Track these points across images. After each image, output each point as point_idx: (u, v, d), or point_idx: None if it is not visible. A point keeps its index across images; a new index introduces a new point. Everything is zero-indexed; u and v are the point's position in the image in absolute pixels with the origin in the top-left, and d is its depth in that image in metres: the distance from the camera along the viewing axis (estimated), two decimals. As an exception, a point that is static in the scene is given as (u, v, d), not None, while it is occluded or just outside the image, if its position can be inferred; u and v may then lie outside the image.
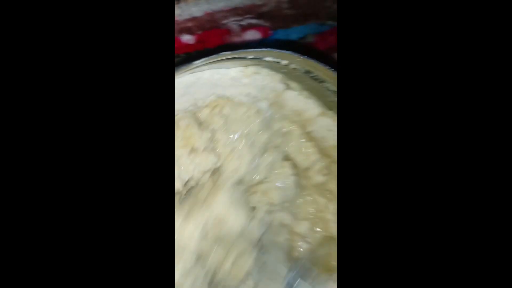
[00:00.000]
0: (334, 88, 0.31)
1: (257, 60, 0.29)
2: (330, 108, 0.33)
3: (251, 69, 0.30)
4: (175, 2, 0.34)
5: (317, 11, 0.40)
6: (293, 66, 0.30)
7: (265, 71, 0.31)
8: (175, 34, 0.34)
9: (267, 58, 0.29)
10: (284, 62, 0.30)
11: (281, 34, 0.38)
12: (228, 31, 0.36)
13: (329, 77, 0.31)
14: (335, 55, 0.41)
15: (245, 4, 0.37)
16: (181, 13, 0.34)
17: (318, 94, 0.33)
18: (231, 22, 0.36)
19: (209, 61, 0.26)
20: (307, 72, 0.31)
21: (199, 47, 0.34)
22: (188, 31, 0.34)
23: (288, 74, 0.31)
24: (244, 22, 0.37)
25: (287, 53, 0.28)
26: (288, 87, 0.32)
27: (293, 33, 0.39)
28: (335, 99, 0.31)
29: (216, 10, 0.35)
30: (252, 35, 0.37)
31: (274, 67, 0.31)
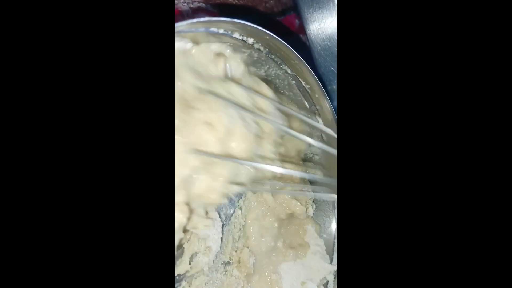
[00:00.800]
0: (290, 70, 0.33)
1: (226, 37, 0.29)
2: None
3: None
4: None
5: (257, 4, 0.42)
6: (257, 46, 0.31)
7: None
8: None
9: (235, 35, 0.29)
10: (251, 40, 0.30)
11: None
12: (179, 12, 0.34)
13: (288, 60, 0.32)
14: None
15: (193, -13, 0.36)
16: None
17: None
18: (181, 3, 0.35)
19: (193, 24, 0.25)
20: (270, 52, 0.31)
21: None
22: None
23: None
24: (193, 5, 0.36)
25: (257, 28, 0.28)
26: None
27: (238, 22, 0.40)
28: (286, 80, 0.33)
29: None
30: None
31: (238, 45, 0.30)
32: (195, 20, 0.25)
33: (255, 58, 0.32)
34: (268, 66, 0.33)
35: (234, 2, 0.39)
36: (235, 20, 0.26)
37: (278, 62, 0.33)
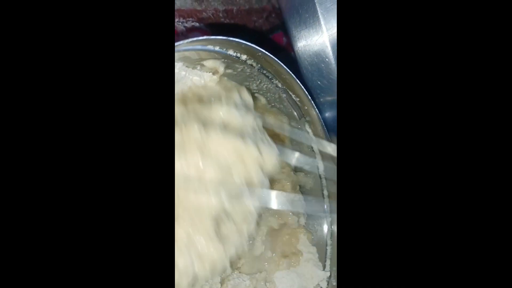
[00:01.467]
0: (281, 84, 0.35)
1: (221, 54, 0.31)
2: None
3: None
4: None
5: (247, 23, 0.44)
6: (250, 62, 0.33)
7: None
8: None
9: (229, 52, 0.31)
10: (244, 57, 0.32)
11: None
12: (176, 31, 0.36)
13: (278, 74, 0.34)
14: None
15: (186, 6, 0.38)
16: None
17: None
18: (177, 23, 0.37)
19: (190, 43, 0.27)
20: (262, 68, 0.34)
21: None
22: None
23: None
24: (187, 24, 0.38)
25: (250, 46, 0.30)
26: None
27: (230, 40, 0.42)
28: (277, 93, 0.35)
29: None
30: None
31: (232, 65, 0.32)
32: (195, 38, 0.27)
33: (248, 74, 0.34)
34: (260, 80, 0.35)
35: (225, 22, 0.41)
36: (231, 38, 0.28)
37: (270, 77, 0.35)
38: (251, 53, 0.32)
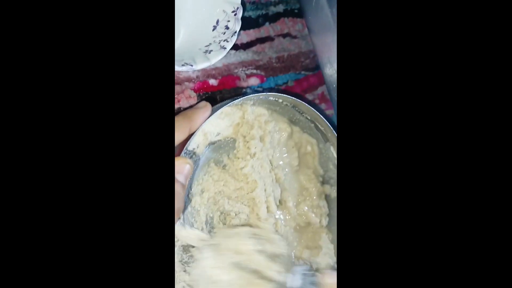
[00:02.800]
0: (309, 117, 0.48)
1: (265, 100, 0.46)
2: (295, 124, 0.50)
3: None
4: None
5: (295, 65, 0.58)
6: (285, 103, 0.47)
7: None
8: (204, 79, 0.49)
9: (270, 98, 0.46)
10: (280, 100, 0.47)
11: (271, 80, 0.55)
12: (238, 77, 0.52)
13: (306, 111, 0.48)
14: (308, 96, 0.59)
15: (248, 59, 0.54)
16: (209, 64, 0.50)
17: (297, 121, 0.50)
18: (240, 71, 0.53)
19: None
20: (294, 106, 0.48)
21: (220, 87, 0.50)
22: (213, 76, 0.50)
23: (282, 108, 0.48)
24: (248, 71, 0.53)
25: (283, 95, 0.45)
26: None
27: (280, 79, 0.56)
28: (309, 123, 0.49)
29: (230, 62, 0.52)
30: (253, 80, 0.53)
31: (273, 103, 0.47)
32: (252, 95, 0.42)
33: (286, 110, 0.49)
34: (293, 114, 0.49)
35: (277, 66, 0.56)
36: (270, 93, 0.43)
37: (300, 112, 0.48)
38: (285, 98, 0.46)
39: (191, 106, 0.45)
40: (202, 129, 0.46)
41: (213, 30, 0.46)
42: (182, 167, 0.32)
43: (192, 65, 0.40)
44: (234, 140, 0.48)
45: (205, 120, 0.38)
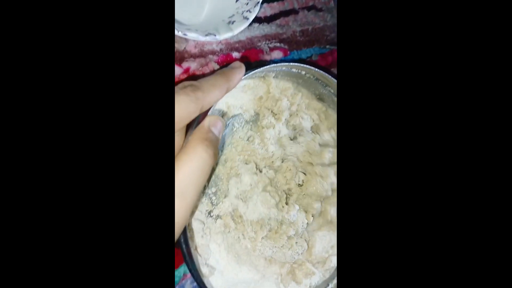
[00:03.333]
0: (334, 90, 0.48)
1: (288, 72, 0.46)
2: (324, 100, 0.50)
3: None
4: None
5: (319, 38, 0.57)
6: (308, 75, 0.47)
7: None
8: (228, 52, 0.49)
9: (293, 70, 0.46)
10: (303, 72, 0.46)
11: (295, 54, 0.55)
12: (261, 51, 0.52)
13: (330, 83, 0.47)
14: (333, 70, 0.58)
15: (271, 32, 0.53)
16: (232, 37, 0.50)
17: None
18: (263, 44, 0.52)
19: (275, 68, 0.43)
20: (317, 79, 0.47)
21: (243, 61, 0.50)
22: (236, 49, 0.50)
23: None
24: (271, 45, 0.53)
25: (306, 66, 0.44)
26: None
27: (303, 53, 0.56)
28: (333, 97, 0.48)
29: (253, 36, 0.52)
30: (276, 53, 0.53)
31: (296, 75, 0.47)
32: (273, 65, 0.42)
33: (308, 83, 0.48)
34: (315, 88, 0.48)
35: (301, 39, 0.55)
36: (292, 63, 0.43)
37: (324, 85, 0.48)
38: (306, 69, 0.46)
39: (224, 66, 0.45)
40: (226, 102, 0.46)
41: (236, 1, 0.46)
42: (215, 121, 0.33)
43: (215, 35, 0.41)
44: (257, 114, 0.48)
45: (240, 81, 0.38)
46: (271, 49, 0.53)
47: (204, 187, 0.41)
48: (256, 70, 0.41)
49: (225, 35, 0.42)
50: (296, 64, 0.43)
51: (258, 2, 0.45)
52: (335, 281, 0.46)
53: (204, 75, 0.48)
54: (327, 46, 0.58)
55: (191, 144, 0.30)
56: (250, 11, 0.44)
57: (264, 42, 0.52)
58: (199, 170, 0.29)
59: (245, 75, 0.41)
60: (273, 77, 0.47)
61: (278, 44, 0.53)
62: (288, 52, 0.54)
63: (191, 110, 0.30)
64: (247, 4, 0.45)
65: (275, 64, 0.42)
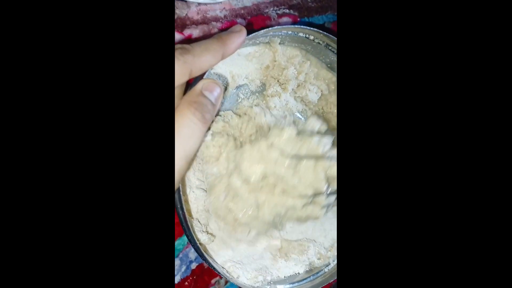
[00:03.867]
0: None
1: (295, 37, 0.42)
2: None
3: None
4: (232, -5, 0.47)
5: (333, 5, 0.54)
6: (317, 40, 0.44)
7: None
8: (232, 18, 0.47)
9: (300, 34, 0.42)
10: (312, 37, 0.43)
11: (306, 21, 0.51)
12: (269, 17, 0.49)
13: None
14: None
15: (280, -2, 0.50)
16: (236, 3, 0.47)
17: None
18: (271, 11, 0.49)
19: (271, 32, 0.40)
20: (327, 45, 0.44)
21: (248, 28, 0.47)
22: (241, 16, 0.47)
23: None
24: (279, 11, 0.50)
25: (314, 30, 0.41)
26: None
27: (315, 20, 0.52)
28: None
29: (260, 1, 0.49)
30: (285, 20, 0.50)
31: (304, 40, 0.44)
32: (276, 27, 0.39)
33: (319, 50, 0.45)
34: (325, 55, 0.45)
35: (312, 5, 0.52)
36: (298, 26, 0.40)
37: (334, 52, 0.45)
38: (315, 35, 0.42)
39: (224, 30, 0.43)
40: (230, 71, 0.44)
41: (240, -38, 0.43)
42: (209, 85, 0.31)
43: (215, -3, 0.38)
44: (264, 84, 0.46)
45: (239, 46, 0.35)
46: (279, 16, 0.50)
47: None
48: (258, 33, 0.38)
49: (226, -3, 0.39)
50: (302, 27, 0.40)
51: (263, -38, 0.42)
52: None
53: (207, 44, 0.46)
54: (341, 13, 0.54)
55: (179, 108, 0.28)
56: (254, -28, 0.41)
57: (272, 9, 0.49)
58: (186, 134, 0.27)
59: (249, 40, 0.38)
60: (280, 43, 0.44)
61: (287, 11, 0.50)
62: (298, 19, 0.51)
63: (177, 73, 0.28)
64: (251, -36, 0.42)
65: (279, 27, 0.39)
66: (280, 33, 0.42)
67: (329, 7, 0.53)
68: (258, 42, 0.42)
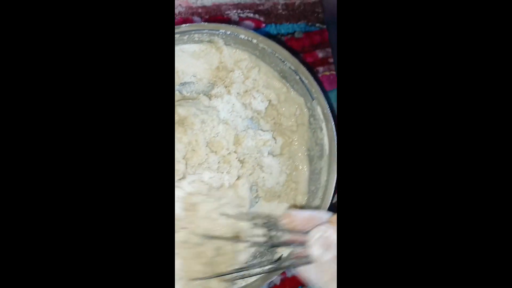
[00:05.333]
0: (294, 67, 0.41)
1: (239, 39, 0.40)
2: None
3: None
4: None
5: (308, 15, 0.50)
6: (262, 45, 0.40)
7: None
8: (186, 16, 0.45)
9: (241, 36, 0.40)
10: (254, 40, 0.40)
11: (272, 28, 0.48)
12: (228, 19, 0.47)
13: (286, 58, 0.40)
14: (318, 51, 0.50)
15: (247, 2, 0.48)
16: (195, 1, 0.46)
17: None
18: (233, 13, 0.47)
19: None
20: (273, 51, 0.41)
21: (202, 27, 0.46)
22: (198, 14, 0.46)
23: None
24: (243, 14, 0.48)
25: (255, 33, 0.38)
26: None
27: (283, 28, 0.49)
28: (294, 76, 0.41)
29: (222, 2, 0.47)
30: (247, 24, 0.47)
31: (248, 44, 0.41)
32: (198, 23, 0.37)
33: (265, 56, 0.42)
34: (276, 63, 0.42)
35: (283, 13, 0.49)
36: (235, 26, 0.37)
37: (282, 60, 0.41)
38: (258, 38, 0.39)
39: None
40: (176, 67, 0.42)
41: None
42: None
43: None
44: (212, 84, 0.43)
45: None
46: (242, 19, 0.47)
47: None
48: (184, 27, 0.36)
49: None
50: (237, 27, 0.38)
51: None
52: None
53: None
54: (317, 25, 0.51)
55: None
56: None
57: (235, 11, 0.47)
58: None
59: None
60: (225, 44, 0.41)
61: (251, 15, 0.48)
62: (263, 25, 0.48)
63: None
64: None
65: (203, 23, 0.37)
66: (218, 32, 0.39)
67: (303, 17, 0.50)
68: (197, 39, 0.40)
